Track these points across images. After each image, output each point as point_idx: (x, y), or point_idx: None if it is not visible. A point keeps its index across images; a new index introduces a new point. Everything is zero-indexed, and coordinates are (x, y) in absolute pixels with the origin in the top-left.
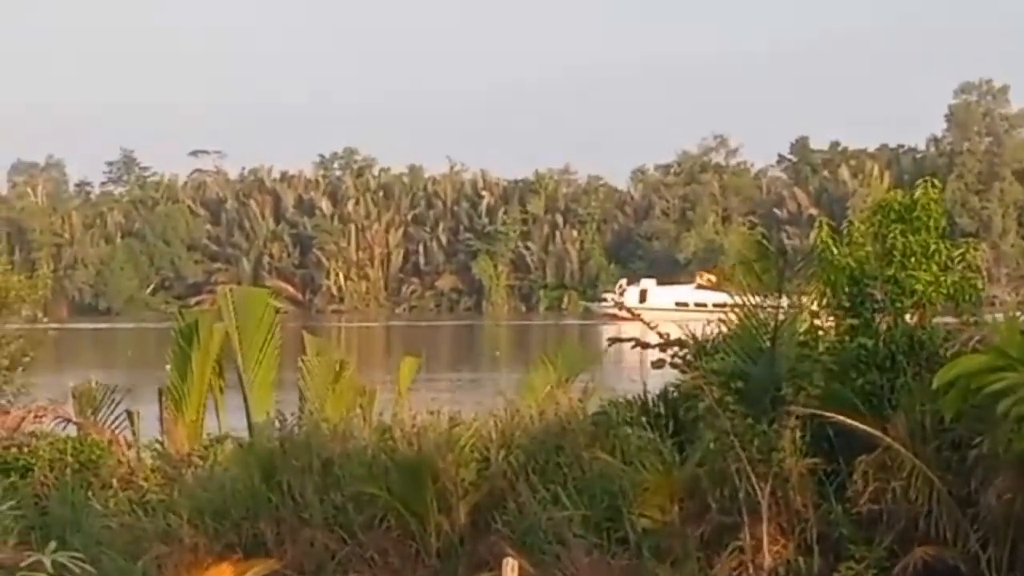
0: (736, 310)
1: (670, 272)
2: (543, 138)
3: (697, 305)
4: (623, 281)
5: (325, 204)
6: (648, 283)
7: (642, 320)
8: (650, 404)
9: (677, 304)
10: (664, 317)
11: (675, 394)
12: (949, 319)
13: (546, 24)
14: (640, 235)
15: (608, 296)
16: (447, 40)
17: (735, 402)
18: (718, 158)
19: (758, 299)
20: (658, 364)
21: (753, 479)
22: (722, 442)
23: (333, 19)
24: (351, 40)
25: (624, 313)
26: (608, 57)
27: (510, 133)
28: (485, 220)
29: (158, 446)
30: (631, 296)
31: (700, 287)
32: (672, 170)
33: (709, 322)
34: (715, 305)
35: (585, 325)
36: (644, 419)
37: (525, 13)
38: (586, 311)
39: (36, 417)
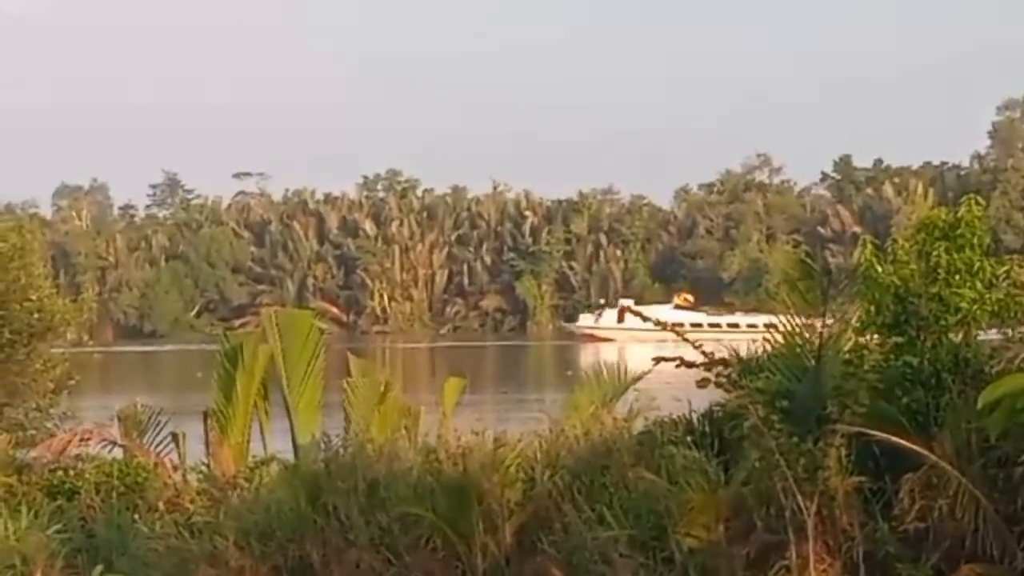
0: (780, 328)
1: (714, 291)
2: (586, 158)
3: (674, 325)
4: (601, 301)
5: (369, 225)
6: (626, 303)
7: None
8: (695, 423)
9: (656, 323)
10: (641, 337)
11: (720, 413)
12: (994, 336)
13: (588, 42)
14: (684, 254)
15: (584, 317)
16: (488, 63)
17: (780, 421)
18: (761, 177)
19: (802, 317)
20: (702, 383)
21: (799, 498)
22: (767, 461)
23: (371, 43)
24: (389, 63)
25: (602, 334)
26: (645, 75)
27: (553, 152)
28: (529, 240)
29: (204, 468)
30: (609, 317)
31: (678, 307)
32: (715, 189)
33: (699, 344)
34: (692, 325)
35: (562, 346)
36: (689, 438)
37: (565, 32)
38: (563, 331)
39: (82, 440)
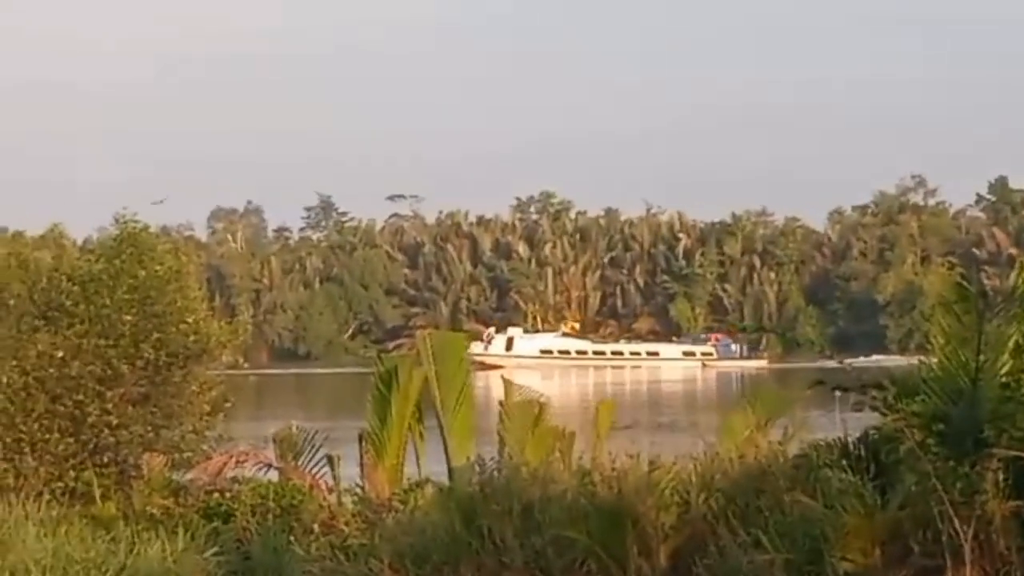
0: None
1: (869, 314)
2: (738, 180)
3: (560, 352)
4: (491, 330)
5: (522, 247)
6: (515, 331)
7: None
8: (851, 447)
9: (542, 352)
10: (529, 364)
11: (876, 436)
12: None
13: (736, 61)
14: (838, 276)
15: (475, 344)
16: (642, 85)
17: (936, 444)
18: (916, 198)
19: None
20: (858, 407)
21: (956, 522)
22: (924, 485)
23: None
24: (544, 85)
25: (491, 361)
26: (805, 97)
27: (707, 175)
28: (682, 262)
29: (359, 491)
30: (498, 344)
31: (564, 335)
32: (870, 211)
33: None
34: (577, 352)
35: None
36: (845, 462)
37: (716, 49)
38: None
39: (238, 462)
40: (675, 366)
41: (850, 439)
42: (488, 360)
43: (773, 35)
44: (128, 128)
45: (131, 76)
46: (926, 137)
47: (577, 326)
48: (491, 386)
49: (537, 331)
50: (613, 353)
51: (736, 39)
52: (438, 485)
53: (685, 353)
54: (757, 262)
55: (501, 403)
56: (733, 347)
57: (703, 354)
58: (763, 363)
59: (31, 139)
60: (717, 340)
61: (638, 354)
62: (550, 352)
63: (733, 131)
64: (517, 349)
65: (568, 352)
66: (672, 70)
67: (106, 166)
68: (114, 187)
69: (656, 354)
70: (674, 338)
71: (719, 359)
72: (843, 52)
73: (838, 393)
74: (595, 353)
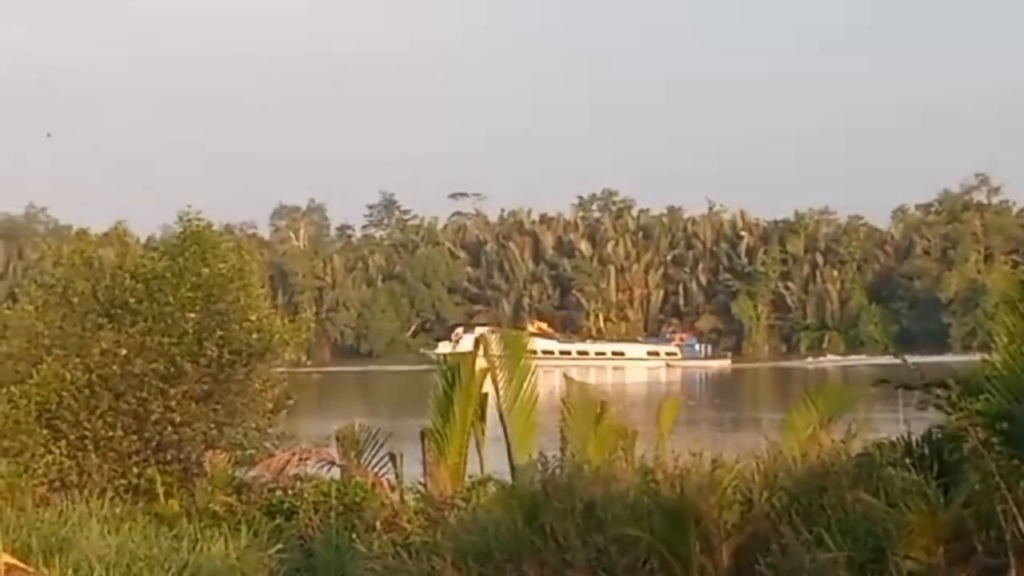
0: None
1: (932, 313)
2: (802, 178)
3: (528, 352)
4: (459, 329)
5: (584, 246)
6: (483, 331)
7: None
8: (914, 445)
9: None
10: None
11: (939, 435)
12: None
13: (804, 65)
14: (901, 275)
15: (443, 344)
16: (705, 88)
17: (1001, 443)
18: (980, 197)
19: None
20: (921, 405)
21: (1020, 522)
22: (988, 484)
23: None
24: (605, 83)
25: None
26: (870, 100)
27: (768, 172)
28: (745, 260)
29: (421, 488)
30: (467, 344)
31: (532, 335)
32: (933, 209)
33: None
34: (544, 352)
35: (424, 371)
36: (908, 460)
37: (769, 64)
38: (423, 358)
39: (300, 460)
40: (640, 366)
41: (913, 438)
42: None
43: (840, 33)
44: (190, 126)
45: (198, 75)
46: (990, 135)
47: (544, 325)
48: None
49: (521, 329)
50: (579, 353)
51: (809, 36)
52: (500, 483)
53: (650, 353)
54: (820, 260)
55: (563, 401)
56: (697, 347)
57: (667, 354)
58: (726, 363)
59: (105, 139)
60: (681, 340)
61: (603, 354)
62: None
63: (800, 130)
64: (460, 348)
65: (535, 351)
66: (738, 69)
67: (169, 165)
68: (176, 185)
69: (621, 354)
70: (639, 338)
71: (683, 359)
72: (906, 51)
73: (901, 391)
74: (562, 353)
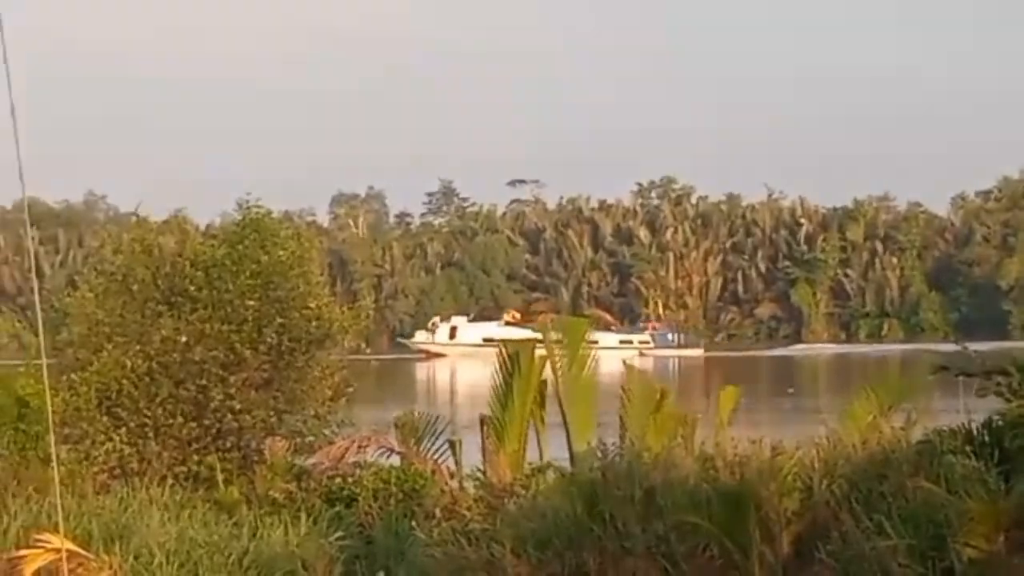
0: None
1: (992, 299)
2: (862, 165)
3: (502, 341)
4: (436, 319)
5: (643, 233)
6: (459, 320)
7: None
8: (974, 433)
9: (484, 340)
10: (472, 353)
11: (1000, 423)
12: None
13: (864, 51)
14: (960, 262)
15: (420, 333)
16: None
17: None
18: None
19: None
20: (982, 392)
21: None
22: None
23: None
24: (668, 67)
25: (435, 349)
26: (930, 84)
27: (828, 160)
28: (804, 248)
29: (480, 476)
30: (442, 333)
31: (508, 324)
32: (993, 196)
33: None
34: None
35: (401, 360)
36: (968, 448)
37: (847, 35)
38: (400, 347)
39: (360, 447)
40: (613, 354)
41: (974, 425)
42: (432, 348)
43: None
44: (249, 114)
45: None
46: None
47: (519, 315)
48: (435, 375)
49: (490, 320)
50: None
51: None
52: (560, 470)
53: (622, 342)
54: (879, 247)
55: (623, 388)
56: (670, 336)
57: (640, 342)
58: (699, 352)
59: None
60: (655, 329)
61: None
62: (492, 340)
63: (856, 116)
64: (460, 338)
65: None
66: (798, 57)
67: (229, 155)
68: (233, 172)
69: (595, 342)
70: (612, 327)
71: (656, 348)
72: (965, 39)
73: (962, 379)
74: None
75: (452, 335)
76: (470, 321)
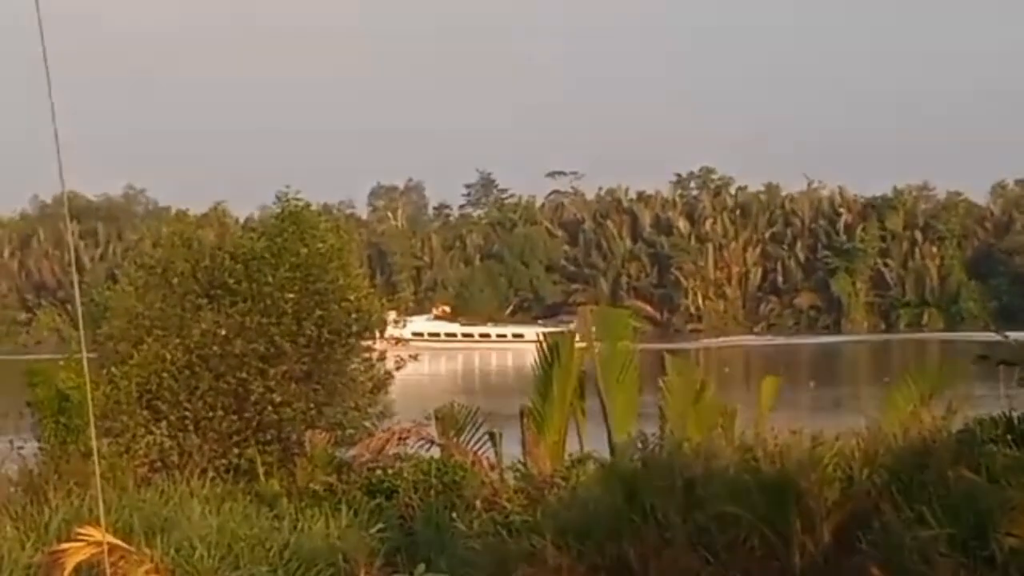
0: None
1: None
2: (900, 154)
3: (431, 335)
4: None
5: (682, 223)
6: (436, 312)
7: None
8: (1015, 422)
9: (414, 334)
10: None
11: None
12: None
13: (899, 39)
14: (1001, 250)
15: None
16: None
17: None
18: None
19: None
20: (1023, 381)
21: None
22: None
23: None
24: (694, 62)
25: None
26: (966, 76)
27: (868, 149)
28: (843, 237)
29: (520, 467)
30: (417, 324)
31: (436, 318)
32: None
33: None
34: (446, 335)
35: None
36: (1010, 437)
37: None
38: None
39: (400, 439)
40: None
41: (1015, 414)
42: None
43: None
44: (289, 106)
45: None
46: None
47: (447, 308)
48: None
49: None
50: (481, 335)
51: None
52: (600, 461)
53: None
54: (919, 236)
55: (662, 379)
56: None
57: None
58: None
59: (205, 118)
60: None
61: (504, 336)
62: (421, 335)
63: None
64: (389, 332)
65: (438, 334)
66: (835, 44)
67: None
68: (274, 164)
69: (521, 336)
70: (539, 320)
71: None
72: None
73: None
74: (464, 335)
75: None
76: (440, 315)
